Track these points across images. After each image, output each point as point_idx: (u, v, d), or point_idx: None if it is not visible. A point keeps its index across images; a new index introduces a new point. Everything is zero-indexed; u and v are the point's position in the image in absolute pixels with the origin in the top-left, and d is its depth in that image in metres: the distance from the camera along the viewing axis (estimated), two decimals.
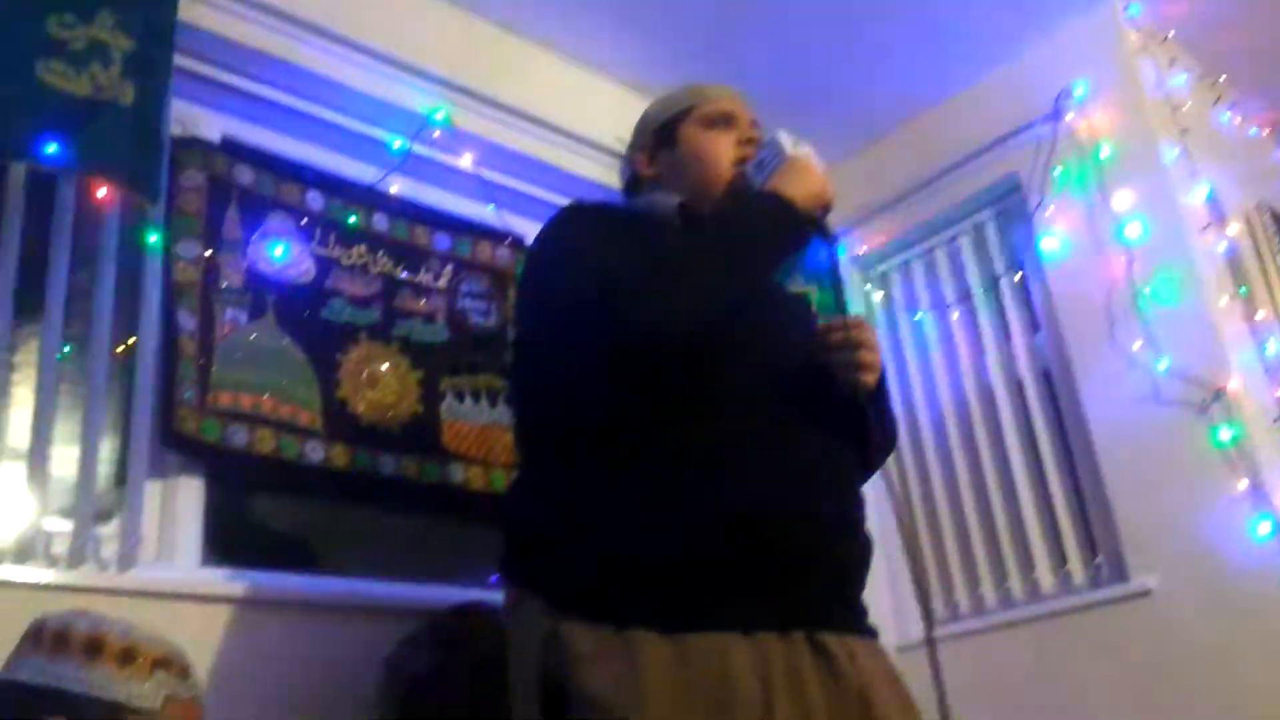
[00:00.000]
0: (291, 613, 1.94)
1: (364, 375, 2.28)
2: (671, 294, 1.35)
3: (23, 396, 1.90)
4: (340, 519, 2.28)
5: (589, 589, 1.32)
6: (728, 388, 1.41)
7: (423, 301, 2.42)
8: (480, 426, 2.42)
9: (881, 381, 1.55)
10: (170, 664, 1.18)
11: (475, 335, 2.49)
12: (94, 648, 1.14)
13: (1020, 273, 2.95)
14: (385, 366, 2.32)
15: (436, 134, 2.50)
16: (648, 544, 1.32)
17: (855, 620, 1.42)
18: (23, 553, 1.73)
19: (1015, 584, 2.79)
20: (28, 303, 1.90)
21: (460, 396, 2.42)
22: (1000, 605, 2.80)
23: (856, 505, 1.49)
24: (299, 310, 2.21)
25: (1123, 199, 2.71)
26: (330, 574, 2.15)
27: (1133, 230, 2.67)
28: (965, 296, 3.05)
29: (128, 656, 1.15)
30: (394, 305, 2.37)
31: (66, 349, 1.94)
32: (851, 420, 1.46)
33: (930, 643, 1.39)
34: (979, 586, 2.85)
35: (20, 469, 1.81)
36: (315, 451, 2.13)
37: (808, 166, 1.50)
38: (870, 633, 1.45)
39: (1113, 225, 2.70)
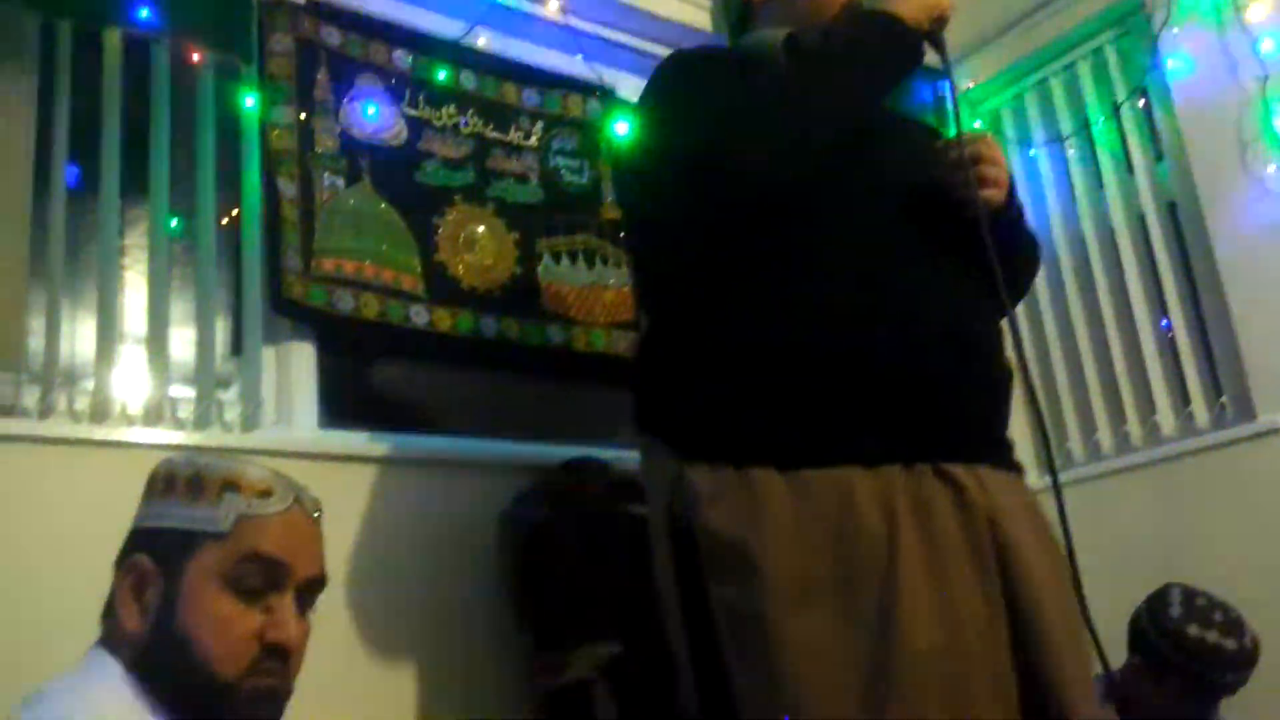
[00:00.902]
0: (409, 470, 1.99)
1: (461, 238, 2.28)
2: (778, 135, 1.31)
3: (133, 281, 1.95)
4: (450, 381, 2.31)
5: (708, 431, 1.32)
6: (844, 218, 1.36)
7: (515, 161, 2.39)
8: (578, 288, 2.41)
9: (1011, 198, 1.46)
10: (240, 485, 1.12)
11: (569, 194, 2.46)
12: (169, 483, 1.13)
13: (1143, 99, 2.76)
14: (481, 229, 2.31)
15: None
16: (761, 380, 1.30)
17: (989, 451, 1.36)
18: (151, 417, 1.80)
19: (1134, 428, 2.70)
20: (132, 184, 1.93)
21: (557, 258, 2.41)
22: (1118, 450, 2.72)
23: (987, 331, 1.40)
24: (394, 174, 2.20)
25: (1258, 10, 2.49)
26: (444, 434, 2.20)
27: (1268, 46, 2.47)
28: (1083, 128, 2.87)
29: (195, 485, 1.12)
30: (486, 166, 2.35)
31: (174, 222, 1.97)
32: (981, 243, 1.37)
33: (1055, 487, 1.32)
34: (1095, 432, 2.77)
35: (141, 341, 1.87)
36: (419, 316, 2.15)
37: None
38: (1009, 466, 1.39)
39: (1246, 41, 2.50)
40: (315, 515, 1.18)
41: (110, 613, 1.11)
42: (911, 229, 1.38)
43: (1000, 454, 1.38)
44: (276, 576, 1.10)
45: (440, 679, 1.87)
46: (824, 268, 1.33)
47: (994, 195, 1.39)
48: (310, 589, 1.15)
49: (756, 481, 1.25)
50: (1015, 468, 1.40)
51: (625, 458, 2.28)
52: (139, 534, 1.13)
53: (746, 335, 1.32)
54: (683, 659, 1.32)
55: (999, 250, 1.36)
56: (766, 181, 1.30)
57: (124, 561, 1.12)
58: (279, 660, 1.09)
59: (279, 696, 1.10)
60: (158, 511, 1.13)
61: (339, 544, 1.82)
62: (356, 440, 2.02)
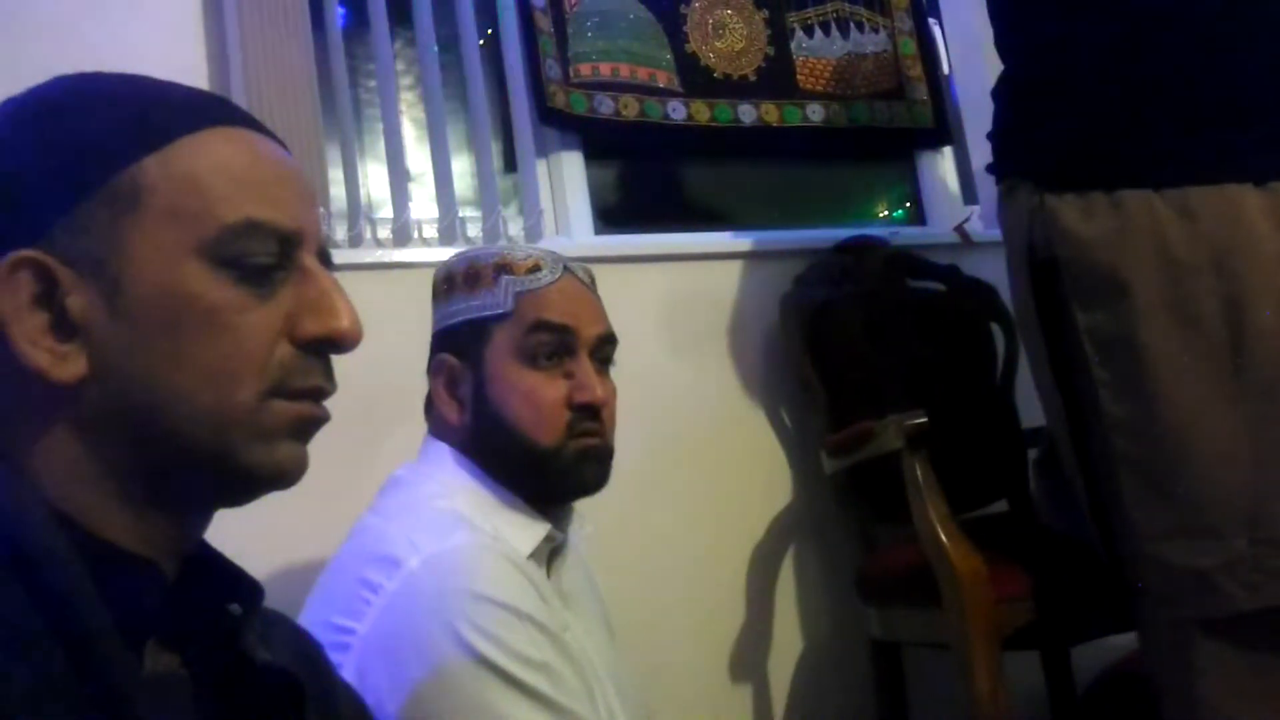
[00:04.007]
0: (687, 265, 2.03)
1: (709, 24, 2.22)
2: None
3: (409, 113, 2.03)
4: (715, 175, 2.31)
5: (1076, 156, 1.25)
6: None
7: None
8: (834, 60, 2.31)
9: None
10: (511, 266, 1.14)
11: None
12: (449, 282, 1.18)
13: None
14: (729, 12, 2.25)
15: None
16: (1137, 99, 1.21)
17: None
18: (445, 237, 1.92)
19: None
20: (394, 18, 1.98)
21: (809, 31, 2.31)
22: None
23: None
24: None
25: None
26: (717, 228, 2.21)
27: None
28: None
29: (471, 276, 1.16)
30: None
31: (434, 49, 2.03)
32: None
33: None
34: None
35: (426, 170, 1.97)
36: (677, 111, 2.14)
37: None
38: None
39: None
40: (588, 281, 1.19)
41: (431, 409, 1.20)
42: None
43: None
44: (566, 341, 1.13)
45: (735, 462, 1.95)
46: None
47: None
48: (602, 347, 1.17)
49: (1129, 203, 1.19)
50: None
51: (901, 234, 2.22)
52: (437, 337, 1.19)
53: (1119, 56, 1.22)
54: (1049, 391, 1.30)
55: None
56: None
57: (432, 364, 1.19)
58: (592, 419, 1.12)
59: (602, 455, 1.14)
60: (446, 311, 1.18)
61: (627, 341, 1.88)
62: (635, 241, 2.07)
